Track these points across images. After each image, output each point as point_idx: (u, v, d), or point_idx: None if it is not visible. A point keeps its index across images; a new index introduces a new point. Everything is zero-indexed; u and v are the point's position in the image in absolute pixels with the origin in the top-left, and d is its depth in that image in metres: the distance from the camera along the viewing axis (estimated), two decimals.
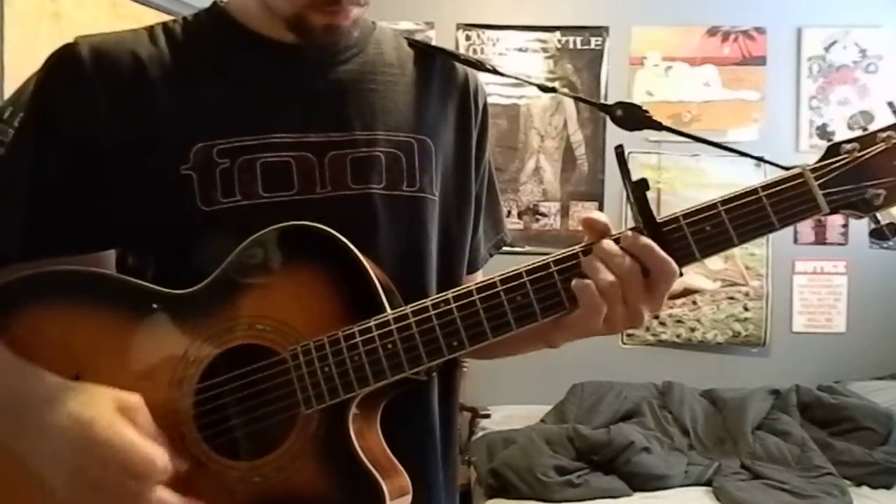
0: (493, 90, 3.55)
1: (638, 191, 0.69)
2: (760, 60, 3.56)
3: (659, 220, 0.69)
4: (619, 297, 0.69)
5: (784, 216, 0.68)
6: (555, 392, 3.25)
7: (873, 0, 3.54)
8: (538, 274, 0.71)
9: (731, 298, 3.53)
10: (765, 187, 0.68)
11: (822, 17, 3.54)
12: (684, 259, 0.69)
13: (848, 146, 0.68)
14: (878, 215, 0.68)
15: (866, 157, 0.67)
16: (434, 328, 0.71)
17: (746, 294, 3.53)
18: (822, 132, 3.51)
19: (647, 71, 3.57)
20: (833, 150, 0.69)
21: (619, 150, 0.73)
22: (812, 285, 3.56)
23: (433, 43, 3.87)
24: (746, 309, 3.53)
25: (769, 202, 0.68)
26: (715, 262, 3.52)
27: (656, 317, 3.53)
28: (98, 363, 0.74)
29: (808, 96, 3.54)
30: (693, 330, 3.53)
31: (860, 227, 3.53)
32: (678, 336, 3.54)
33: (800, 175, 0.68)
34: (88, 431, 0.66)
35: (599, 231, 0.71)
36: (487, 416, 3.27)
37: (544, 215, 3.58)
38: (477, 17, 3.59)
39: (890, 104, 0.67)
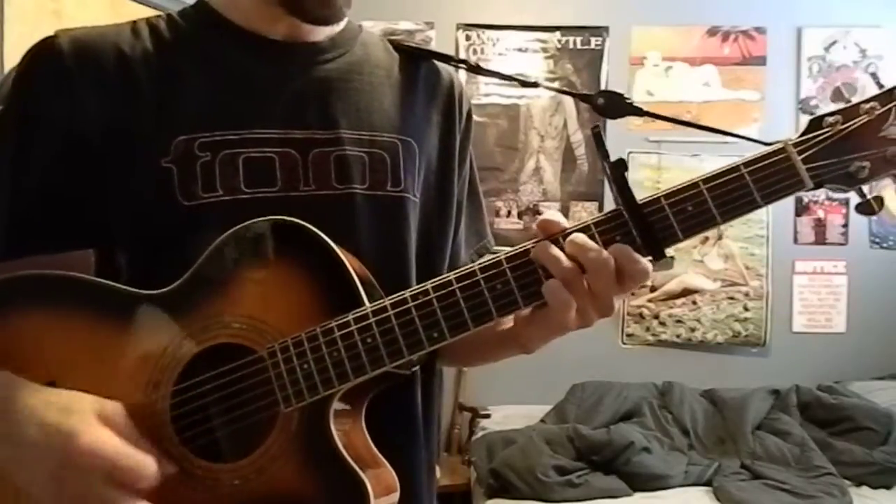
0: (492, 90, 3.55)
1: (616, 171, 0.67)
2: (760, 60, 3.56)
3: (640, 201, 0.67)
4: (586, 291, 0.67)
5: (767, 192, 0.65)
6: (555, 392, 3.25)
7: (873, 0, 3.54)
8: (518, 261, 0.68)
9: (731, 298, 3.53)
10: (747, 164, 0.66)
11: (822, 17, 3.54)
12: (667, 239, 0.66)
13: (831, 119, 0.65)
14: (864, 188, 0.66)
15: (849, 129, 0.65)
16: (414, 320, 0.69)
17: (746, 294, 3.53)
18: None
19: (647, 71, 3.57)
20: (815, 123, 0.66)
21: (596, 131, 0.72)
22: (812, 285, 3.56)
23: (433, 43, 3.83)
24: (746, 309, 3.53)
25: (752, 179, 0.65)
26: (715, 262, 3.52)
27: (656, 316, 3.54)
28: (73, 368, 0.72)
29: (808, 96, 3.54)
30: (693, 330, 3.53)
31: (860, 227, 3.54)
32: (678, 336, 3.54)
33: (782, 150, 0.65)
34: (71, 442, 0.64)
35: (555, 233, 0.69)
36: (487, 416, 3.27)
37: None
38: (477, 17, 3.58)
39: (873, 75, 0.67)
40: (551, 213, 0.70)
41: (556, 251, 0.67)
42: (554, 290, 0.66)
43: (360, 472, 0.68)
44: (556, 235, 0.68)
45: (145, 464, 0.65)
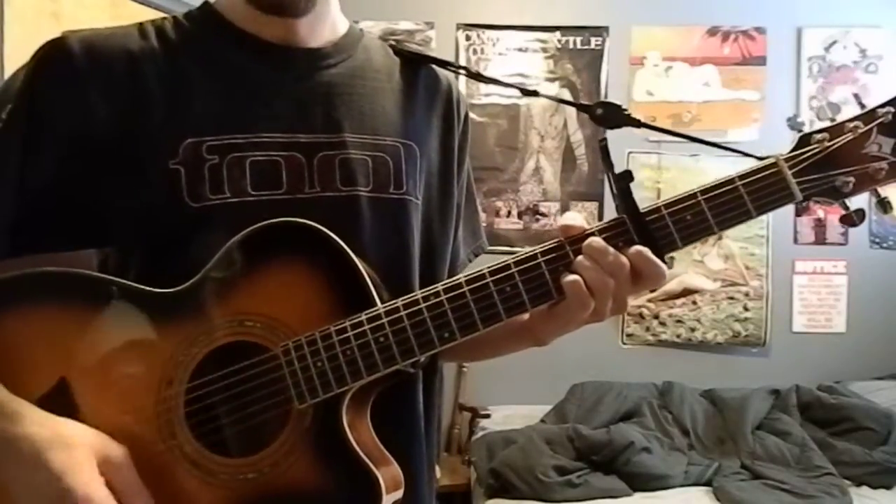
0: (493, 90, 3.55)
1: (622, 182, 0.72)
2: (760, 60, 3.56)
3: (642, 210, 0.71)
4: (608, 293, 0.70)
5: (760, 204, 0.70)
6: (555, 392, 3.25)
7: (873, 0, 3.54)
8: (526, 265, 0.72)
9: (731, 298, 3.53)
10: (741, 177, 0.70)
11: (822, 17, 3.54)
12: (667, 247, 0.71)
13: (818, 136, 0.71)
14: (847, 202, 0.71)
15: (835, 146, 0.70)
16: (425, 320, 0.71)
17: (746, 294, 3.53)
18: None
19: (647, 71, 3.57)
20: (804, 140, 0.71)
21: (603, 144, 0.76)
22: (812, 285, 3.56)
23: (433, 44, 3.83)
24: (746, 309, 3.53)
25: (746, 191, 0.70)
26: (715, 262, 3.52)
27: (656, 316, 3.54)
28: (84, 365, 0.73)
29: (808, 96, 3.54)
30: (693, 330, 3.53)
31: (860, 227, 3.53)
32: (678, 336, 3.54)
33: (774, 165, 0.70)
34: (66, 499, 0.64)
35: (574, 235, 0.72)
36: (487, 416, 3.27)
37: (544, 215, 3.58)
38: (477, 17, 3.58)
39: (855, 95, 0.70)
40: (572, 214, 0.74)
41: (588, 261, 0.71)
42: (576, 289, 0.70)
43: (373, 466, 0.70)
44: (575, 237, 0.72)
45: None
